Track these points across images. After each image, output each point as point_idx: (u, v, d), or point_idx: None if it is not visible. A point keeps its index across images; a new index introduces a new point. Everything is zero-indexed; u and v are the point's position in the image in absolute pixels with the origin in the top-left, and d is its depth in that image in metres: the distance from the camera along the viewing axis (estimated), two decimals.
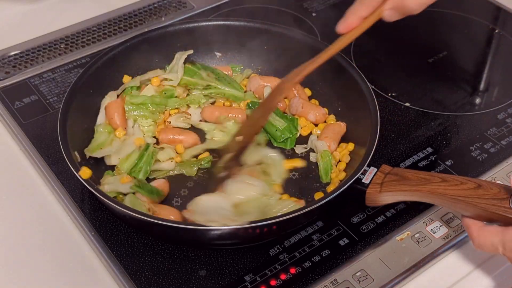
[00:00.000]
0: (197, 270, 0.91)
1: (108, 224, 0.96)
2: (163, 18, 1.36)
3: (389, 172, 0.94)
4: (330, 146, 1.05)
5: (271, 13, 1.35)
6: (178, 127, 1.10)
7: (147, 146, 1.03)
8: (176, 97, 1.12)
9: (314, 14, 1.39)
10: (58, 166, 1.04)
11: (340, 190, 0.90)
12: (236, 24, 1.18)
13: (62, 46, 1.29)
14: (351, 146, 1.06)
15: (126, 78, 1.14)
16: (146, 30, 1.22)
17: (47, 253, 0.95)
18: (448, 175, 0.90)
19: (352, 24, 0.96)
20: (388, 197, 0.93)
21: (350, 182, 0.91)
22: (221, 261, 0.92)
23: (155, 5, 1.40)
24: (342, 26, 0.97)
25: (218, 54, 1.21)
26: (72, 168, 0.92)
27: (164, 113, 1.10)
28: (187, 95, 1.14)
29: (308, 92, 1.16)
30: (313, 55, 1.00)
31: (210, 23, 1.19)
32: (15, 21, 1.37)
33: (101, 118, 1.08)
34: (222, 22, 1.19)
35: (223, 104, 1.15)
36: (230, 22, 1.19)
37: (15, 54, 1.27)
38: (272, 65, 1.19)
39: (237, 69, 1.20)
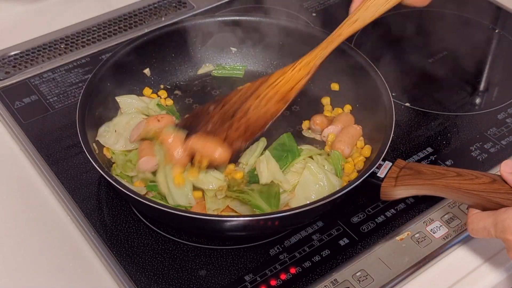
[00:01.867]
0: (197, 270, 0.91)
1: (108, 224, 0.96)
2: (163, 18, 1.36)
3: (404, 166, 0.94)
4: (343, 151, 1.03)
5: (271, 13, 1.35)
6: None
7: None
8: None
9: (314, 14, 1.39)
10: (58, 166, 1.04)
11: (359, 182, 0.90)
12: (252, 19, 1.19)
13: (62, 46, 1.29)
14: (367, 150, 1.04)
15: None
16: (153, 28, 1.23)
17: (47, 253, 0.95)
18: (463, 170, 0.90)
19: None
20: (402, 191, 0.93)
21: (367, 174, 0.91)
22: (221, 261, 0.92)
23: (155, 5, 1.40)
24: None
25: (233, 49, 1.21)
26: (90, 159, 0.92)
27: None
28: None
29: (335, 86, 1.15)
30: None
31: (225, 18, 1.19)
32: (15, 21, 1.37)
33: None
34: (237, 18, 1.19)
35: None
36: (245, 17, 1.19)
37: (15, 54, 1.27)
38: (287, 60, 1.19)
39: (240, 68, 1.21)
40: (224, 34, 1.19)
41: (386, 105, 1.03)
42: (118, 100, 1.09)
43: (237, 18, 1.19)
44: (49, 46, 1.29)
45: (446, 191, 0.89)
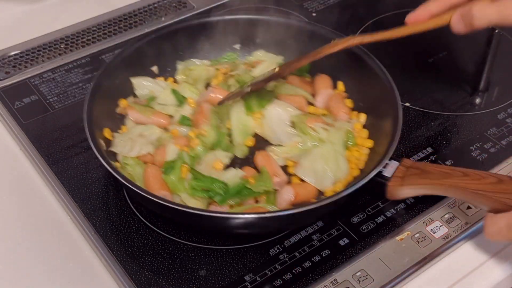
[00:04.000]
0: (197, 270, 0.91)
1: (108, 224, 0.96)
2: (163, 18, 1.36)
3: (410, 165, 0.95)
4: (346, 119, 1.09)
5: (272, 12, 1.35)
6: None
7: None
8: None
9: (314, 14, 1.39)
10: (58, 166, 1.04)
11: (365, 181, 0.91)
12: (257, 18, 1.20)
13: (62, 46, 1.29)
14: (369, 142, 1.06)
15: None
16: (153, 28, 1.24)
17: (47, 253, 0.95)
18: (470, 170, 0.90)
19: (420, 16, 0.98)
20: (409, 191, 0.94)
21: (374, 173, 0.92)
22: (221, 261, 0.92)
23: (155, 5, 1.40)
24: (410, 17, 0.99)
25: (236, 46, 1.23)
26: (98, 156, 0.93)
27: None
28: None
29: (349, 103, 1.14)
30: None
31: (232, 16, 1.20)
32: (15, 21, 1.37)
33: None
34: (246, 16, 1.20)
35: None
36: (253, 16, 1.21)
37: (15, 54, 1.27)
38: (291, 58, 1.19)
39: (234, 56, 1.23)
40: (231, 32, 1.20)
41: (391, 98, 1.03)
42: (133, 81, 1.11)
43: (251, 17, 1.20)
44: (49, 46, 1.29)
45: (453, 191, 0.89)
